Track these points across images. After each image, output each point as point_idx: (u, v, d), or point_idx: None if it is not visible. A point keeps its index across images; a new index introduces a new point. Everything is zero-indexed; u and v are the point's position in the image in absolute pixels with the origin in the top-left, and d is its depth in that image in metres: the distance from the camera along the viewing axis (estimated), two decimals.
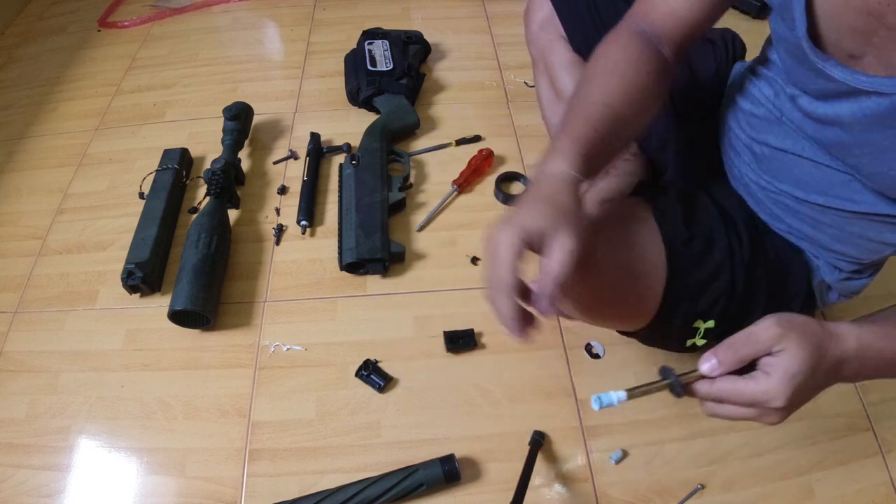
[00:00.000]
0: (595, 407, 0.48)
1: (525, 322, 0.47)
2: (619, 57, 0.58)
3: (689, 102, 0.76)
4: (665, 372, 0.49)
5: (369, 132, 1.09)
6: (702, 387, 0.47)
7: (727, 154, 0.72)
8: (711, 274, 0.61)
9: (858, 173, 0.54)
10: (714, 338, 0.64)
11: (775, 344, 0.45)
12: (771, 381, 0.44)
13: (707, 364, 0.47)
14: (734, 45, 0.80)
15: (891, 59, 0.45)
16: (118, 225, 1.03)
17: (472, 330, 0.87)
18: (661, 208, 0.64)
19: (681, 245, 0.61)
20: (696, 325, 0.63)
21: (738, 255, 0.63)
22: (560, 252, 0.45)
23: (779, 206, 0.65)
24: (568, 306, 0.60)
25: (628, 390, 0.48)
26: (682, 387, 0.48)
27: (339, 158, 1.13)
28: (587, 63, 0.61)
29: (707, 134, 0.75)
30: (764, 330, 0.45)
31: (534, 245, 0.46)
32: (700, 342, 0.65)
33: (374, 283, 0.95)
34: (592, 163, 0.52)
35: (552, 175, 0.51)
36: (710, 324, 0.59)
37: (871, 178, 0.53)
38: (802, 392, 0.45)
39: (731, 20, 1.42)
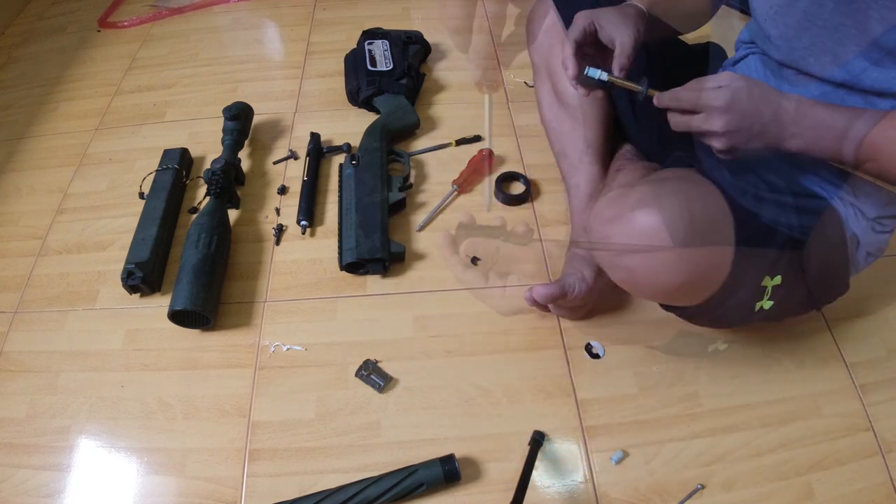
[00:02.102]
0: (585, 72, 0.66)
1: (576, 67, 0.67)
2: None
3: None
4: (642, 82, 0.65)
5: (369, 132, 1.09)
6: (665, 94, 0.63)
7: None
8: (770, 221, 0.64)
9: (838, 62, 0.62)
10: (779, 298, 0.65)
11: (726, 78, 0.60)
12: (718, 90, 0.59)
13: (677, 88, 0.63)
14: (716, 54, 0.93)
15: None
16: (118, 225, 1.03)
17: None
18: (704, 169, 0.66)
19: (736, 196, 0.63)
20: (764, 283, 0.64)
21: (787, 205, 0.65)
22: (621, 40, 0.66)
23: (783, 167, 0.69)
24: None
25: (610, 75, 0.65)
26: (647, 94, 0.64)
27: (339, 158, 1.13)
28: None
29: None
30: (723, 73, 0.61)
31: (598, 28, 0.67)
32: (767, 304, 0.65)
33: (374, 283, 0.95)
34: (653, 10, 0.71)
35: (625, 4, 0.71)
36: (777, 280, 0.61)
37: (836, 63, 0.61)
38: (741, 103, 0.58)
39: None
